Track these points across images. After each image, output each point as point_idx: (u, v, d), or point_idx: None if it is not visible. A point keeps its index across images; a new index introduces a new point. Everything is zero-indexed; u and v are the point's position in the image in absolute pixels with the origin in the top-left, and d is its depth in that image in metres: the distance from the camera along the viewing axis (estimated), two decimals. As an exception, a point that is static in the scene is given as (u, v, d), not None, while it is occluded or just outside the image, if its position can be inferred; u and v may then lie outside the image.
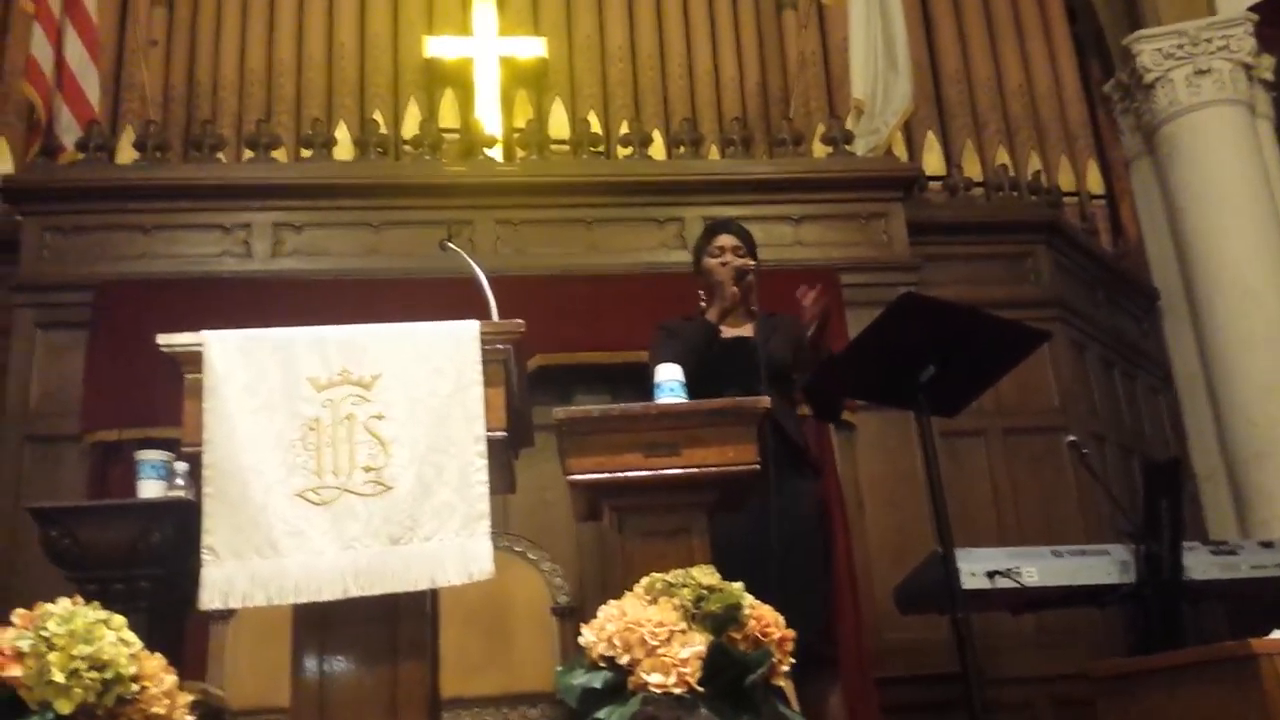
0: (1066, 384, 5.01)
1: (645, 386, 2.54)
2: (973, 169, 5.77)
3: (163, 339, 2.18)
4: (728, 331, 3.20)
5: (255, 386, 2.13)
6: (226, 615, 3.21)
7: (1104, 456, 5.09)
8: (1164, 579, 3.36)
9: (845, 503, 4.31)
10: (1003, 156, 5.87)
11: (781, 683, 2.05)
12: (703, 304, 3.30)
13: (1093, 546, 3.63)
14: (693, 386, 2.68)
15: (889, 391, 2.93)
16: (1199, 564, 3.55)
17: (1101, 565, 3.51)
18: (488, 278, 2.87)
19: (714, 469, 2.35)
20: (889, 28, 5.29)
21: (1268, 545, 3.76)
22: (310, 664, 2.11)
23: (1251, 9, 6.02)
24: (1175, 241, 5.92)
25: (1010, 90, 6.13)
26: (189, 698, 1.99)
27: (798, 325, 3.20)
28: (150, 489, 2.63)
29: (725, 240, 3.31)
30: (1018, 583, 3.41)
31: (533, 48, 5.73)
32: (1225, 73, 5.92)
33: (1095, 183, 6.09)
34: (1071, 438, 3.84)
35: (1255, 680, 2.30)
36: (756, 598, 2.07)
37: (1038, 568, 3.46)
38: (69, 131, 4.84)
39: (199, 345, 2.15)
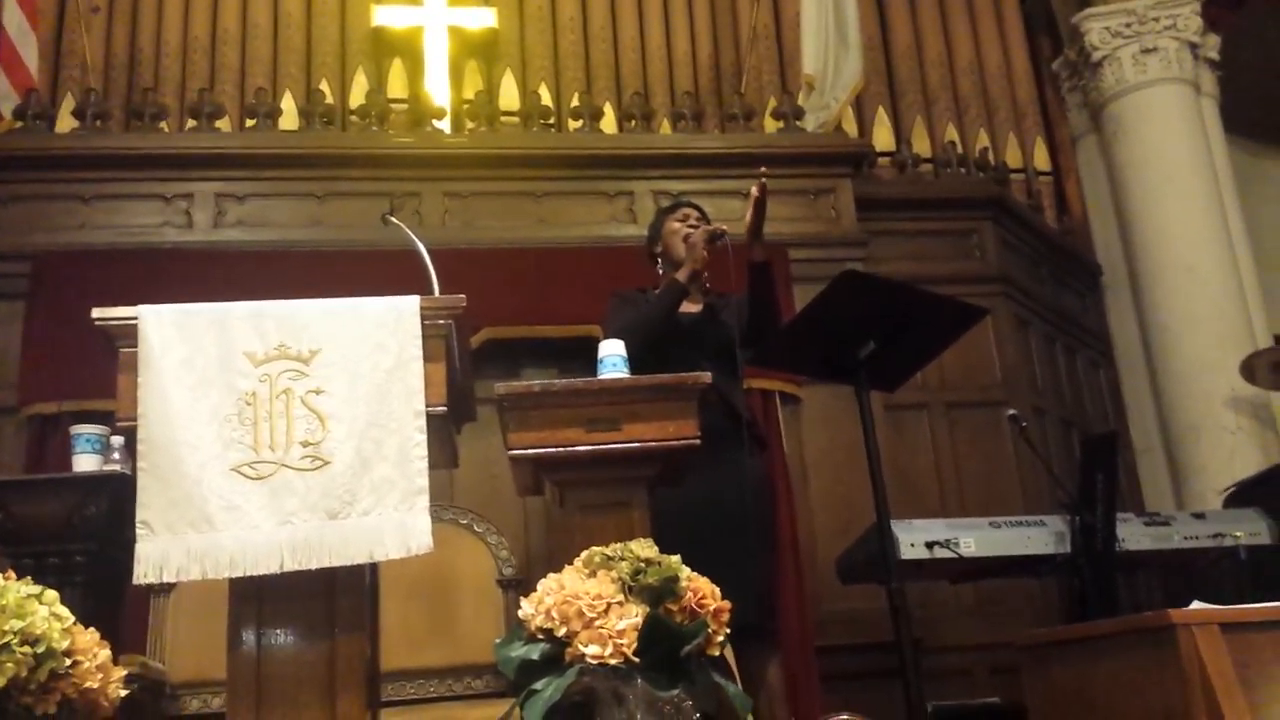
0: (1009, 359, 5.09)
1: (593, 360, 2.55)
2: (922, 145, 5.80)
3: (97, 312, 2.16)
4: (684, 308, 3.22)
5: (191, 361, 2.11)
6: (167, 589, 3.20)
7: (1044, 430, 5.18)
8: (1098, 549, 3.44)
9: (790, 475, 4.35)
10: (952, 133, 5.92)
11: (718, 653, 2.08)
12: (660, 273, 3.31)
13: (1029, 518, 3.70)
14: (655, 355, 2.71)
15: (830, 367, 2.95)
16: (1133, 535, 3.64)
17: (1038, 536, 3.58)
18: (435, 250, 2.87)
19: (654, 443, 2.36)
20: (841, 4, 5.30)
21: (1199, 516, 3.86)
22: (247, 638, 2.11)
23: (1198, -12, 6.10)
24: (1119, 219, 6.01)
25: (960, 67, 6.17)
26: (123, 672, 1.98)
27: (742, 303, 3.23)
28: (86, 463, 2.61)
29: (689, 211, 3.34)
30: (956, 553, 3.48)
31: (483, 18, 5.67)
32: (1171, 51, 6.00)
33: (1042, 160, 6.16)
34: (1011, 412, 3.90)
35: (1173, 650, 2.36)
36: (700, 570, 2.09)
37: (975, 538, 3.53)
38: (7, 100, 4.72)
39: (133, 319, 2.13)
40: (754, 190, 3.06)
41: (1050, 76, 6.56)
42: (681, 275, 3.14)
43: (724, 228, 3.17)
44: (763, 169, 3.10)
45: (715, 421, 2.84)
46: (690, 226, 3.26)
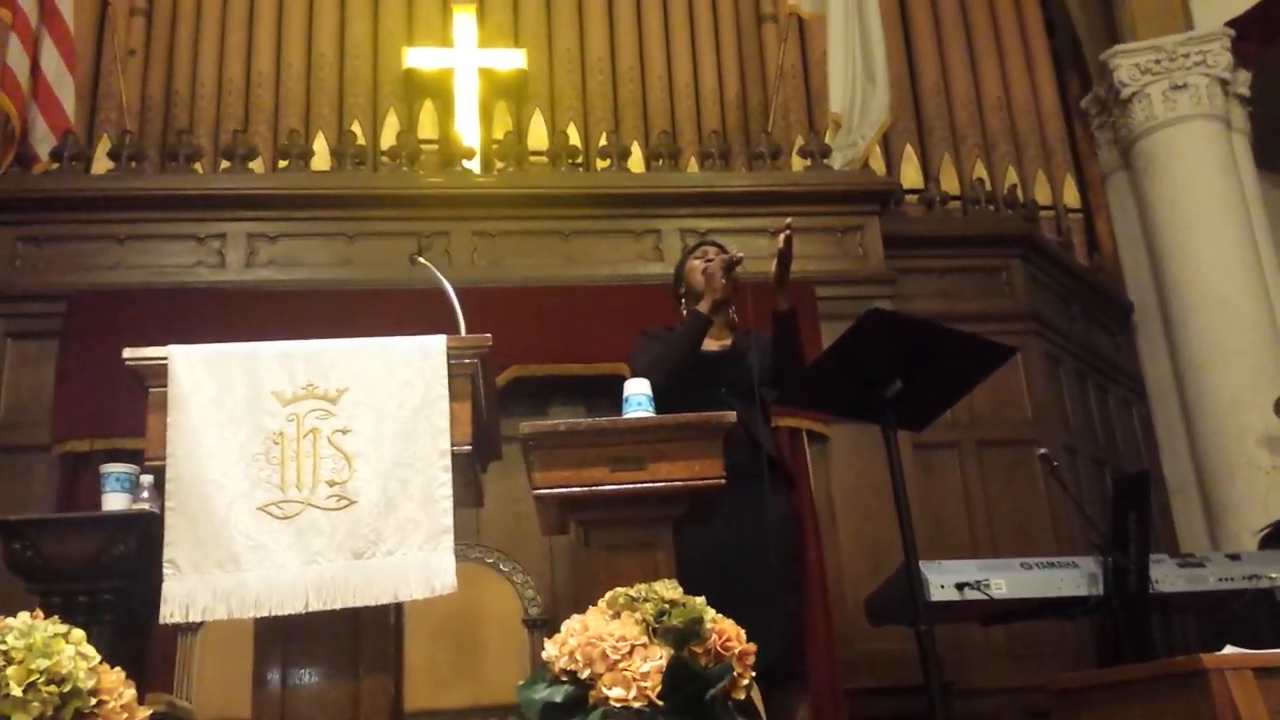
0: (1040, 397, 5.05)
1: (621, 398, 2.55)
2: (950, 183, 5.80)
3: (128, 352, 2.19)
4: (710, 345, 3.23)
5: (220, 400, 2.13)
6: (194, 627, 3.21)
7: (1076, 469, 5.12)
8: (1131, 591, 3.38)
9: (818, 514, 4.32)
10: (980, 170, 5.90)
11: (743, 696, 2.06)
12: (684, 313, 3.32)
13: (1061, 559, 3.65)
14: (677, 390, 2.71)
15: (857, 406, 2.95)
16: (1166, 576, 3.58)
17: (1070, 577, 3.53)
18: (464, 289, 2.89)
19: (680, 483, 2.35)
20: (868, 41, 5.31)
21: (1234, 558, 3.79)
22: (272, 677, 2.12)
23: (1229, 24, 6.08)
24: (1150, 256, 5.97)
25: (988, 104, 6.17)
26: (148, 711, 1.98)
27: (769, 344, 3.24)
28: (115, 501, 2.63)
29: (709, 249, 3.36)
30: (986, 595, 3.43)
31: (512, 59, 5.73)
32: (1202, 88, 5.97)
33: (1072, 197, 6.13)
34: (1042, 450, 3.86)
35: (1205, 695, 2.31)
36: (727, 610, 2.08)
37: (1006, 580, 3.48)
38: (44, 141, 4.83)
39: (164, 359, 2.15)
40: (779, 241, 3.07)
41: (1079, 113, 6.55)
42: (703, 306, 3.16)
43: (741, 255, 3.19)
44: (789, 221, 3.10)
45: (742, 460, 2.84)
46: (709, 259, 3.29)
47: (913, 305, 4.71)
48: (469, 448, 2.20)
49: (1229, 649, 2.43)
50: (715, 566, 2.74)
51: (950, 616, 3.67)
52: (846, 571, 4.36)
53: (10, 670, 1.80)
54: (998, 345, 2.96)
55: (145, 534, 2.53)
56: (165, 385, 2.14)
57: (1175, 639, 4.74)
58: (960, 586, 3.43)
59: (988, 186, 5.71)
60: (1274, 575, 3.62)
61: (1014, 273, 5.28)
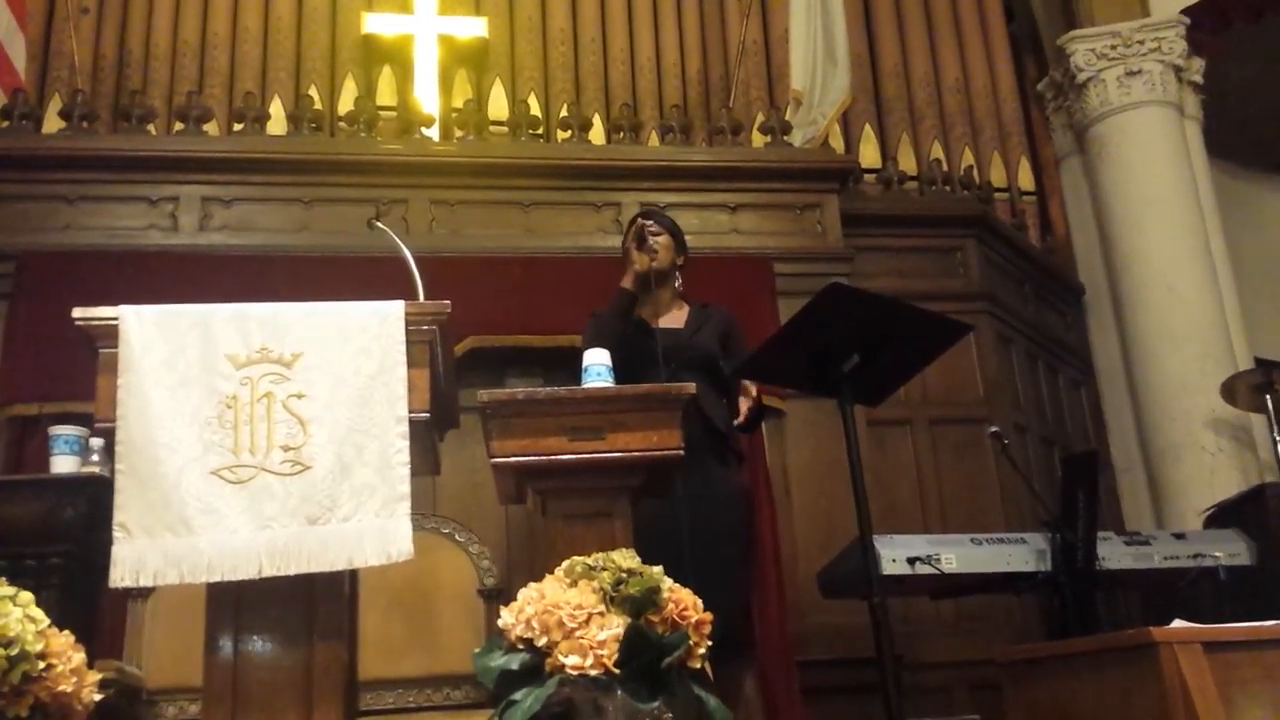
0: (991, 376, 5.11)
1: (578, 370, 2.55)
2: (908, 163, 5.84)
3: (78, 312, 2.14)
4: (665, 321, 3.24)
5: (172, 362, 2.09)
6: (145, 593, 3.17)
7: (1026, 447, 5.20)
8: (1078, 567, 3.44)
9: (773, 489, 4.35)
10: (937, 151, 5.95)
11: (699, 665, 2.07)
12: None
13: (1011, 534, 3.71)
14: (634, 366, 2.73)
15: (814, 380, 2.96)
16: (1113, 553, 3.65)
17: (1018, 553, 3.59)
18: (422, 257, 2.86)
19: (637, 453, 2.36)
20: (829, 21, 5.31)
21: (1180, 536, 3.88)
22: (224, 643, 2.09)
23: (1184, 12, 6.15)
24: (1102, 239, 6.05)
25: (947, 86, 6.21)
26: (97, 676, 1.96)
27: (727, 319, 3.26)
28: (64, 464, 2.59)
29: (641, 224, 3.35)
30: (937, 569, 3.48)
31: (473, 27, 5.68)
32: (1156, 74, 6.05)
33: (1026, 179, 6.19)
34: (993, 428, 3.91)
35: (1154, 667, 2.36)
36: (674, 580, 2.09)
37: (956, 554, 3.54)
38: (-7, 99, 4.71)
39: (114, 319, 2.11)
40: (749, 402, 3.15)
41: (1036, 97, 6.62)
42: (626, 281, 3.21)
43: (650, 224, 3.27)
44: (754, 392, 3.19)
45: (692, 434, 2.84)
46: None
47: (869, 283, 4.71)
48: (426, 415, 2.18)
49: (1178, 623, 2.47)
50: (662, 539, 2.75)
51: (901, 590, 3.72)
52: (800, 545, 4.39)
53: (-45, 633, 1.78)
54: (954, 322, 2.98)
55: (94, 497, 2.50)
56: (116, 346, 2.09)
57: (1120, 615, 4.84)
58: (911, 560, 3.48)
59: (944, 167, 5.75)
60: (1218, 554, 3.71)
61: (968, 253, 5.33)
